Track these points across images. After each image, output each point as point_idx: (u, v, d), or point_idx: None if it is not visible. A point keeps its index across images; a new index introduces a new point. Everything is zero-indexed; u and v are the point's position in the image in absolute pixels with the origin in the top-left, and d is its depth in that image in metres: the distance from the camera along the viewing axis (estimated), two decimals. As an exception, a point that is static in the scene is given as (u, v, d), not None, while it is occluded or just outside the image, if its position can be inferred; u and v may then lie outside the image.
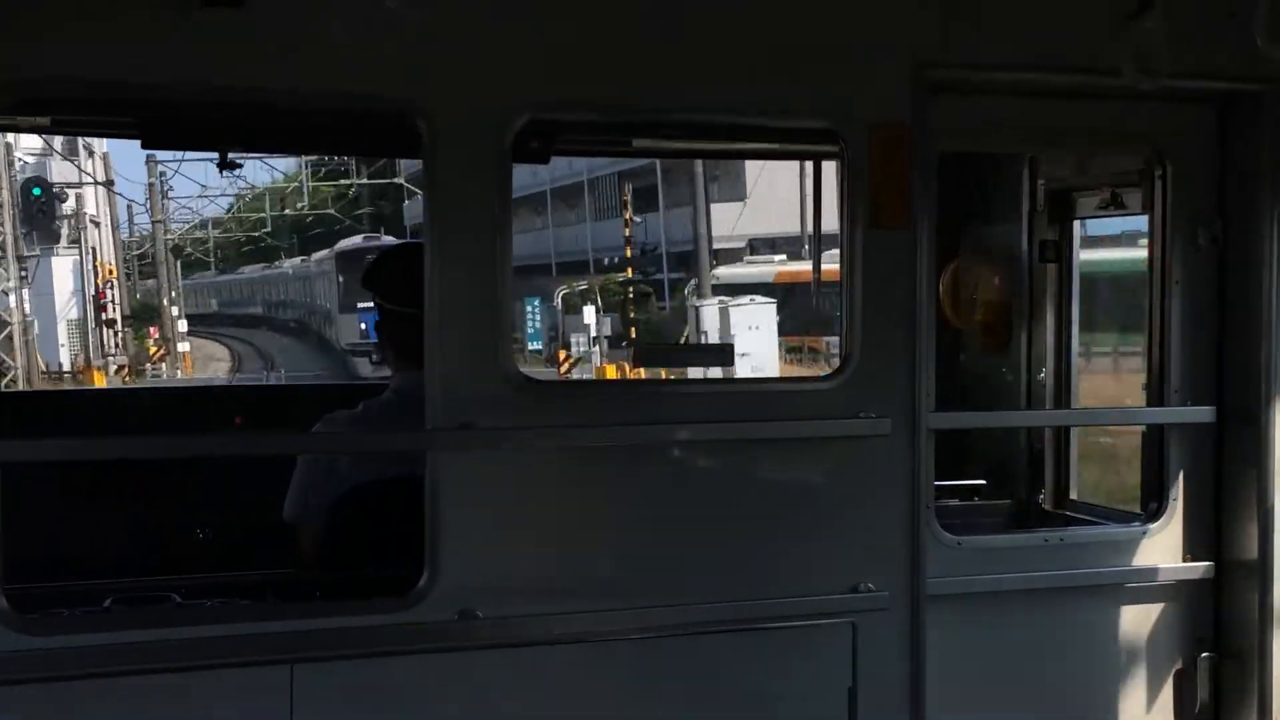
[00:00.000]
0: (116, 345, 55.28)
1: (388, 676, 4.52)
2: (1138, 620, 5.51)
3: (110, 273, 58.52)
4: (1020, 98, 5.27)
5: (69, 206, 53.47)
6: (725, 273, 50.60)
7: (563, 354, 45.44)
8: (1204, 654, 5.54)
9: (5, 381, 40.53)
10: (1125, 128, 5.47)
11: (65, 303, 55.58)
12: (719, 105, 4.93)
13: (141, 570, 5.96)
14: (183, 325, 63.90)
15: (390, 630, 4.49)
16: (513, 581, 4.61)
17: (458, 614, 4.52)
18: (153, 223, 67.48)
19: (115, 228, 68.54)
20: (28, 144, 50.04)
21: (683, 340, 37.66)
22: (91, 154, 59.45)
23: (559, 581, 4.67)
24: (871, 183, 4.90)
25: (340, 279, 56.63)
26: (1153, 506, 5.58)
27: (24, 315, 44.18)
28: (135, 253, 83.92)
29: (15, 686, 4.17)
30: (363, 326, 47.05)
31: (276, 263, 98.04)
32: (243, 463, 5.53)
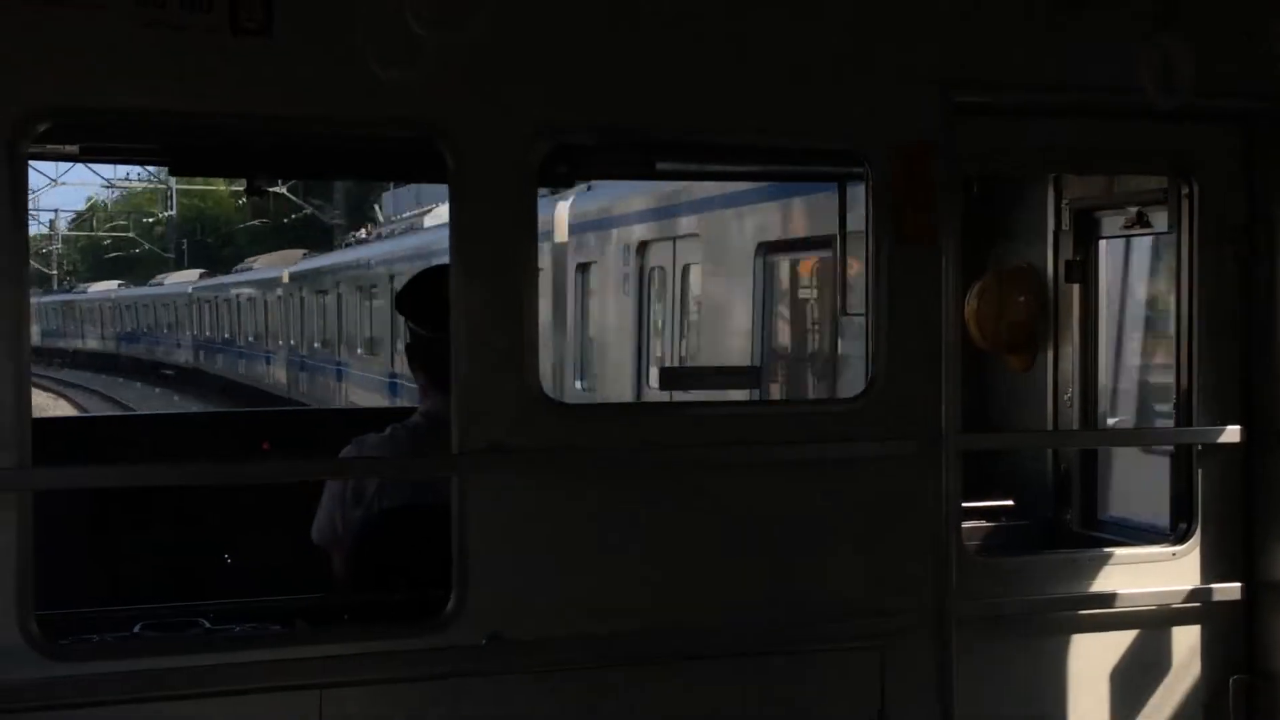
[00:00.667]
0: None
1: (417, 700, 4.52)
2: (1168, 642, 5.47)
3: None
4: (1044, 118, 5.27)
5: None
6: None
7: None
8: (1235, 676, 5.50)
9: None
10: (1150, 147, 5.46)
11: None
12: (744, 127, 4.94)
13: (170, 596, 5.99)
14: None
15: (419, 654, 4.50)
16: (541, 604, 4.61)
17: (486, 637, 4.53)
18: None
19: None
20: None
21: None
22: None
23: (586, 604, 4.67)
24: (897, 203, 4.91)
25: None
26: (1182, 527, 5.55)
27: None
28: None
29: (46, 712, 4.18)
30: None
31: (158, 279, 72.12)
32: (270, 487, 5.55)
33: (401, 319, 5.60)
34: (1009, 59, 5.10)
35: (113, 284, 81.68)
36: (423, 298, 5.44)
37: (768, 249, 13.12)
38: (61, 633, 4.50)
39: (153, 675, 4.27)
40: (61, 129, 4.66)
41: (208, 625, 5.34)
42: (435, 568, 4.58)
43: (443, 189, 5.46)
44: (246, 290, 48.38)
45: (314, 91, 4.42)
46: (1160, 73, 4.81)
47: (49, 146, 5.62)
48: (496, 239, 4.54)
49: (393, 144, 5.37)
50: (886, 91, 4.93)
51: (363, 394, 30.85)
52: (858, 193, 5.91)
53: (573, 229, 17.61)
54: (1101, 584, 5.34)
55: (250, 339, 47.34)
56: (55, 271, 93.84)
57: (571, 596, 4.66)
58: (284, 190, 51.92)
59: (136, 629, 5.29)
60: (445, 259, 4.70)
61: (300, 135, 4.99)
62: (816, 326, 13.05)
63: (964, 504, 5.20)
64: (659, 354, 15.69)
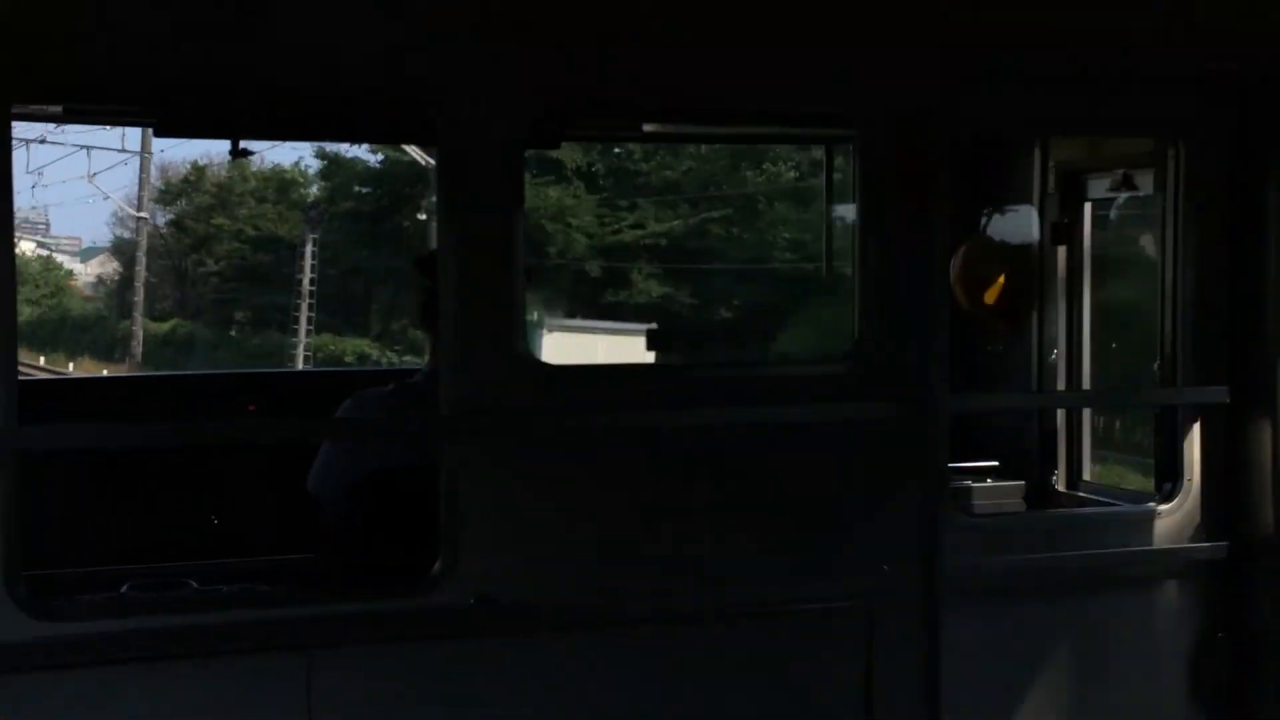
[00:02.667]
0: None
1: (405, 661, 4.54)
2: (1154, 600, 5.52)
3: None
4: (1037, 83, 5.26)
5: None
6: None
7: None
8: (1221, 633, 5.55)
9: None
10: (1140, 111, 5.46)
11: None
12: (735, 91, 4.93)
13: (158, 556, 6.00)
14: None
15: (407, 615, 4.52)
16: (529, 566, 4.63)
17: (474, 599, 4.54)
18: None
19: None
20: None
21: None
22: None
23: (574, 566, 4.69)
24: (886, 166, 4.90)
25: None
26: (1167, 487, 5.58)
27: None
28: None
29: (34, 673, 4.20)
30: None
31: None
32: (259, 449, 5.56)
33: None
34: (1002, 23, 5.09)
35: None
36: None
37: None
38: (49, 593, 4.51)
39: (140, 635, 4.28)
40: (46, 88, 4.65)
41: (196, 585, 5.36)
42: (427, 529, 4.60)
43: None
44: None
45: (301, 53, 4.40)
46: (1152, 36, 4.82)
47: (33, 107, 5.59)
48: (484, 201, 4.53)
49: (381, 106, 5.35)
50: (878, 55, 4.92)
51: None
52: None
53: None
54: (1087, 543, 5.37)
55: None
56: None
57: (559, 558, 4.68)
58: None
59: (124, 589, 5.31)
60: None
61: (288, 97, 4.97)
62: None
63: (951, 465, 5.22)
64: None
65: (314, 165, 51.17)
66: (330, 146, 48.36)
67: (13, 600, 4.12)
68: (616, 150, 42.95)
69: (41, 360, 47.39)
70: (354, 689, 4.49)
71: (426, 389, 5.20)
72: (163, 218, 56.96)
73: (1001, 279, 6.82)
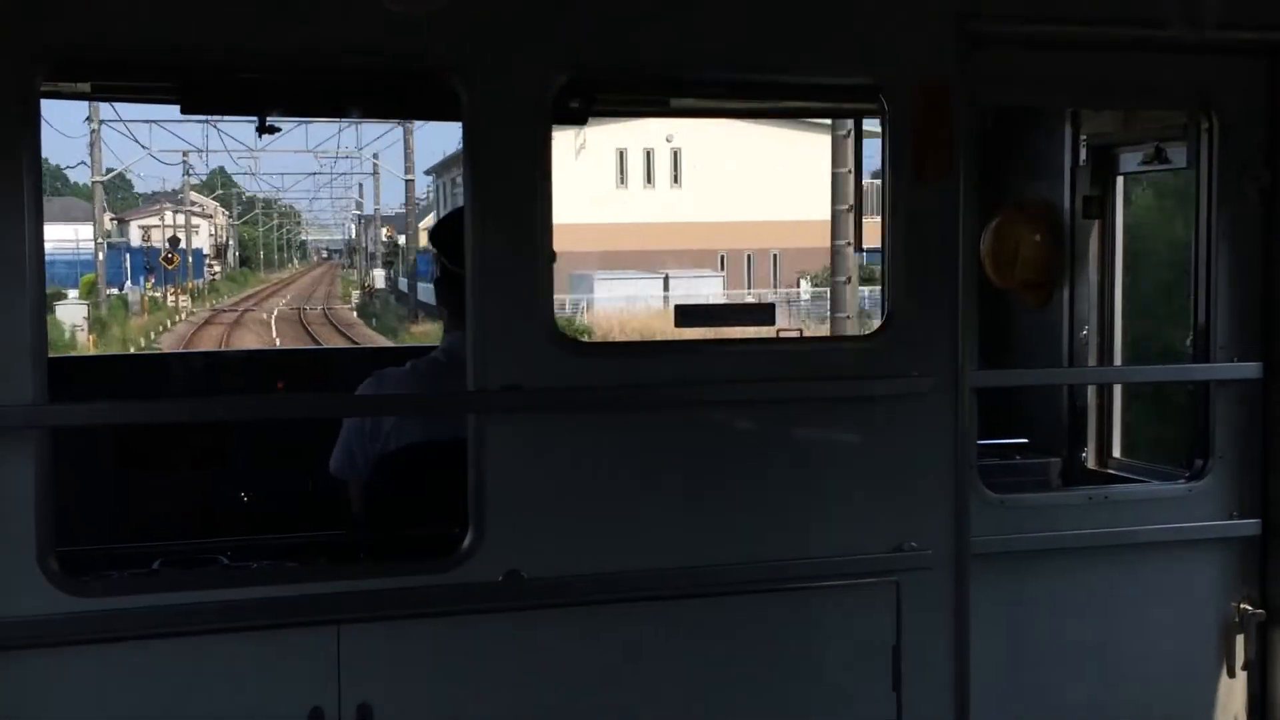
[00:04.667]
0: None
1: (434, 637, 4.55)
2: (1183, 578, 5.49)
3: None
4: (1064, 50, 5.21)
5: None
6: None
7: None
8: (1252, 611, 5.51)
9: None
10: (1171, 80, 5.41)
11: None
12: (761, 63, 4.90)
13: (189, 533, 6.02)
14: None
15: (435, 591, 4.52)
16: (557, 541, 4.63)
17: (503, 575, 4.55)
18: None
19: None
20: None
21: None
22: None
23: (603, 541, 4.69)
24: (914, 138, 4.87)
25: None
26: (1199, 464, 5.54)
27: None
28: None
29: (66, 648, 4.22)
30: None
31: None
32: (288, 426, 5.57)
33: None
34: None
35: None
36: (456, 233, 5.44)
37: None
38: (82, 569, 4.53)
39: (171, 611, 4.30)
40: (74, 66, 4.64)
41: (226, 562, 5.38)
42: (452, 504, 4.60)
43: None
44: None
45: (325, 26, 4.38)
46: (1183, 4, 4.75)
47: (61, 84, 5.60)
48: (511, 176, 4.52)
49: (406, 80, 5.33)
50: (904, 25, 4.89)
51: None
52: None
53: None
54: (1116, 520, 5.34)
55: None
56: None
57: (588, 533, 4.68)
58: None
59: (155, 565, 5.33)
60: None
61: (314, 72, 4.96)
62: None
63: (980, 442, 5.20)
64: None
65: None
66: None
67: (45, 576, 4.15)
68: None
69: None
70: (383, 664, 4.50)
71: (445, 365, 5.20)
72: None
73: (1032, 253, 6.78)
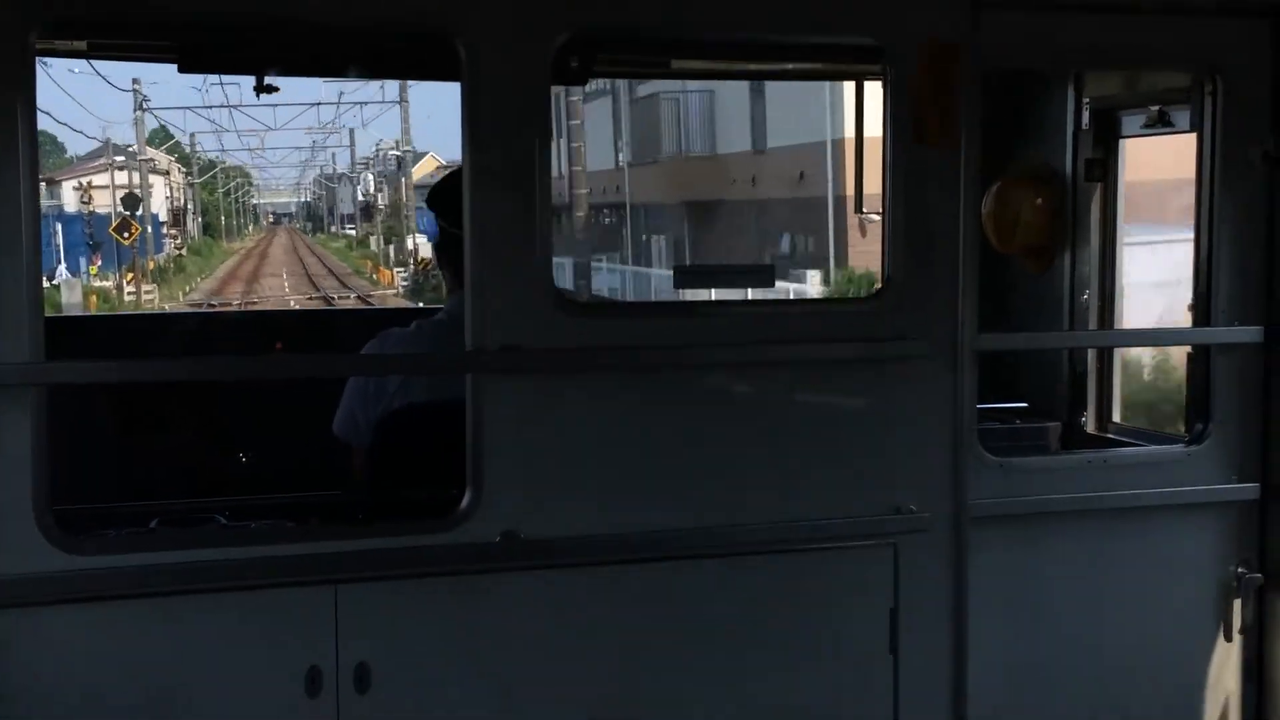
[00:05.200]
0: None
1: (431, 597, 4.56)
2: (1181, 542, 5.49)
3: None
4: (1069, 12, 5.17)
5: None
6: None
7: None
8: (1249, 575, 5.52)
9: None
10: (1176, 42, 5.37)
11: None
12: (763, 22, 4.86)
13: (186, 492, 6.02)
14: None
15: (433, 551, 4.53)
16: (555, 502, 4.63)
17: (500, 535, 4.55)
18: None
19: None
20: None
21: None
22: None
23: (601, 502, 4.69)
24: (917, 100, 4.84)
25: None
26: (1198, 428, 5.53)
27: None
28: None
29: (62, 605, 4.23)
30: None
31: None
32: (287, 386, 5.56)
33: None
34: None
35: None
36: (453, 195, 5.42)
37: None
38: (79, 528, 4.53)
39: (168, 570, 4.30)
40: (70, 24, 4.60)
41: (223, 521, 5.38)
42: (454, 464, 4.60)
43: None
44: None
45: None
46: None
47: (57, 42, 5.56)
48: (510, 136, 4.50)
49: (405, 40, 5.30)
50: None
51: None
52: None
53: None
54: (1115, 484, 5.34)
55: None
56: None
57: (586, 494, 4.67)
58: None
59: (153, 524, 5.33)
60: None
61: (311, 30, 4.92)
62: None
63: (979, 405, 5.19)
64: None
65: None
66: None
67: (42, 533, 4.15)
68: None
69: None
70: (381, 623, 4.51)
71: (449, 326, 5.19)
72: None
73: (1033, 217, 6.76)
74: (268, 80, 6.22)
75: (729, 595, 4.86)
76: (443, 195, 5.46)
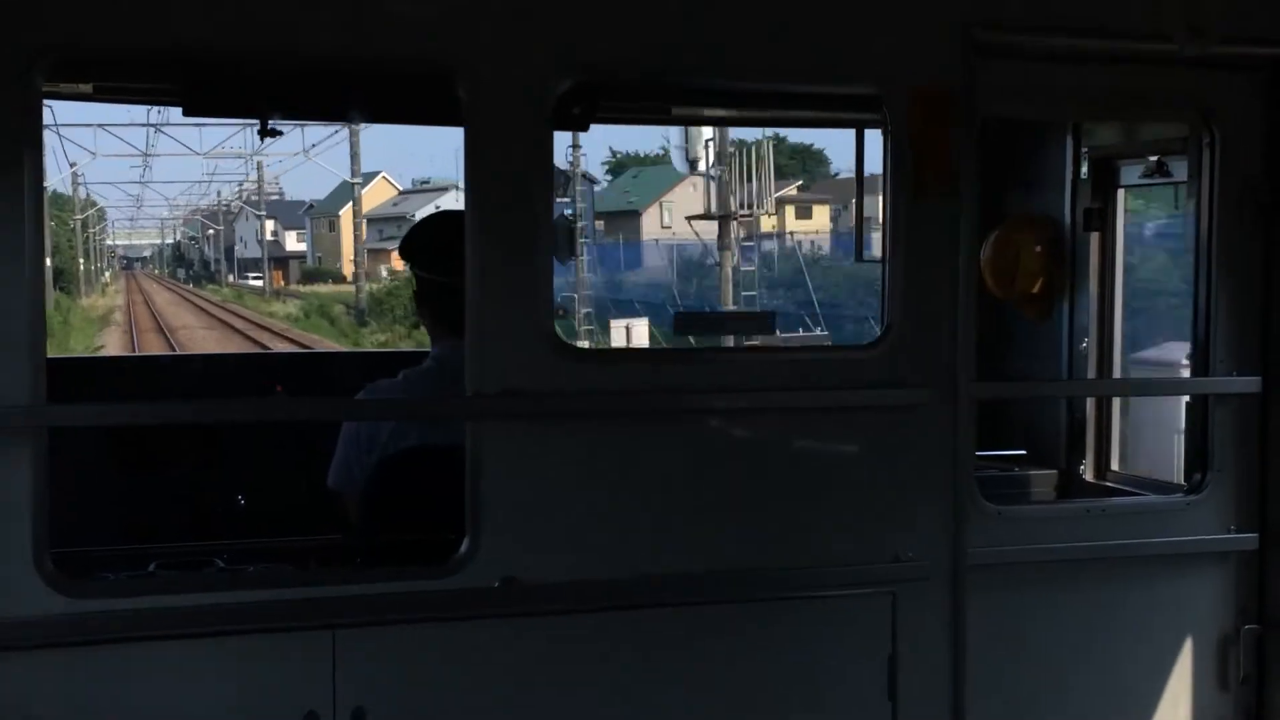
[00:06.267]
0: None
1: (429, 642, 4.54)
2: (1180, 591, 5.48)
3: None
4: (1068, 63, 5.22)
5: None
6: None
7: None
8: (1248, 625, 5.51)
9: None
10: (1173, 93, 5.41)
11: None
12: (762, 71, 4.90)
13: (185, 535, 6.02)
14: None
15: (432, 596, 4.52)
16: (554, 548, 4.62)
17: (499, 580, 4.54)
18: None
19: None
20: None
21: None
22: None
23: (599, 548, 4.68)
24: (915, 148, 4.87)
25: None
26: (1196, 478, 5.54)
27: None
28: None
29: (60, 649, 4.21)
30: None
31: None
32: (285, 429, 5.57)
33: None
34: (1031, 2, 5.04)
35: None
36: (428, 243, 5.44)
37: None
38: (77, 571, 4.53)
39: (166, 613, 4.29)
40: (75, 66, 4.64)
41: (222, 565, 5.37)
42: (448, 510, 4.60)
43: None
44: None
45: (327, 29, 4.39)
46: (1187, 18, 4.76)
47: (63, 85, 5.60)
48: (511, 180, 4.52)
49: (408, 83, 5.33)
50: (909, 35, 4.89)
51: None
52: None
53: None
54: (1114, 533, 5.33)
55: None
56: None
57: (585, 540, 4.67)
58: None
59: (151, 568, 5.33)
60: None
61: (316, 75, 4.96)
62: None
63: (977, 453, 5.20)
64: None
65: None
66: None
67: (41, 576, 4.14)
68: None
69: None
70: (379, 669, 4.49)
71: (438, 374, 5.20)
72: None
73: (1032, 265, 6.78)
74: (271, 124, 6.27)
75: (728, 641, 4.85)
76: (416, 243, 5.49)
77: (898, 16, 4.88)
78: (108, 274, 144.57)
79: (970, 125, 4.94)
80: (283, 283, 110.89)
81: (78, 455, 5.78)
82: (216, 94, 5.68)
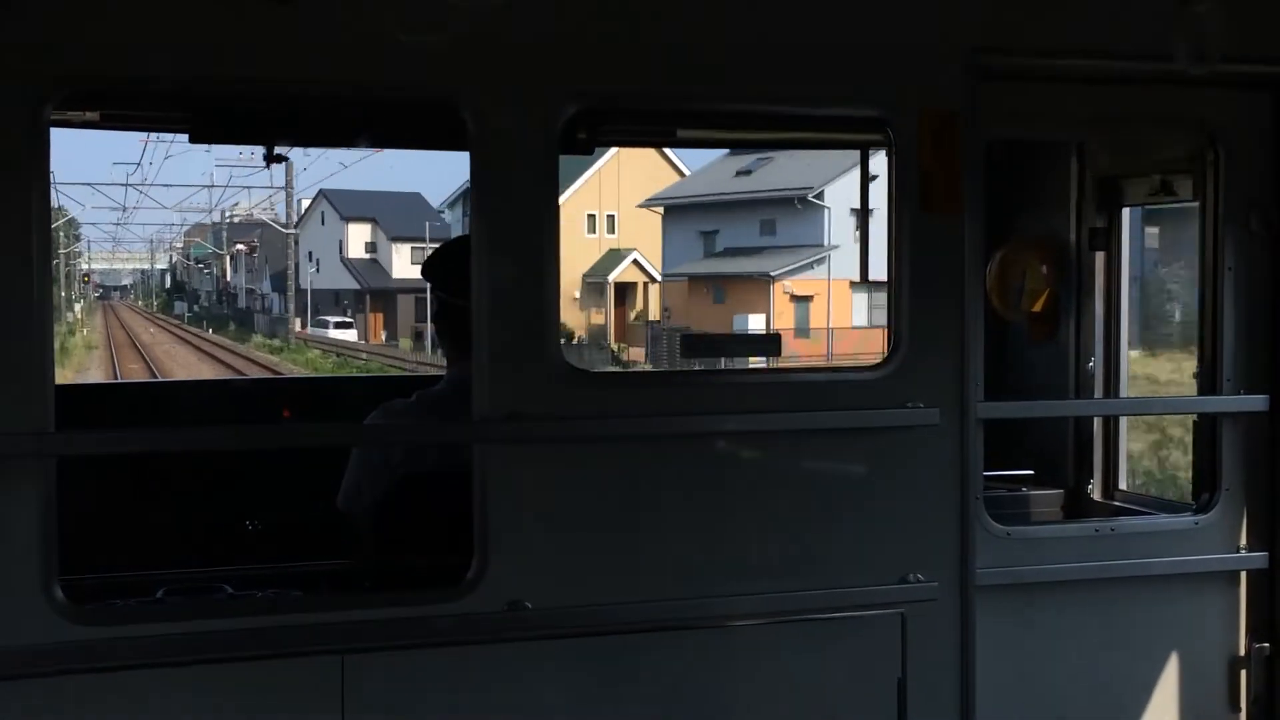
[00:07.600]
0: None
1: (438, 667, 4.54)
2: (1190, 611, 5.46)
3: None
4: (1071, 84, 5.23)
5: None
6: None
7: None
8: (1258, 645, 5.49)
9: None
10: (1178, 113, 5.42)
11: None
12: (767, 94, 4.91)
13: (194, 561, 6.02)
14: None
15: (440, 621, 4.51)
16: (562, 572, 4.62)
17: (507, 605, 4.54)
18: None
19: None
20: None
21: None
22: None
23: (608, 572, 4.68)
24: (921, 170, 4.88)
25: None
26: (1205, 497, 5.53)
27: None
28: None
29: (70, 676, 4.21)
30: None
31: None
32: (294, 454, 5.57)
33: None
34: (1035, 24, 5.06)
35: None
36: (450, 266, 5.44)
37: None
38: (85, 598, 4.53)
39: (175, 640, 4.29)
40: (84, 95, 4.66)
41: (231, 591, 5.37)
42: (458, 535, 4.59)
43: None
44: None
45: (332, 56, 4.40)
46: (1190, 38, 4.77)
47: (70, 113, 5.62)
48: (518, 206, 4.53)
49: (414, 110, 5.35)
50: (912, 58, 4.90)
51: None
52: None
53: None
54: (1122, 553, 5.32)
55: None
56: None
57: (593, 564, 4.67)
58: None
59: (160, 594, 5.32)
60: None
61: (322, 101, 4.98)
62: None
63: (985, 473, 5.19)
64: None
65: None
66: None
67: (49, 604, 4.14)
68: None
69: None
70: (388, 694, 4.49)
71: (451, 396, 5.20)
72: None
73: (1038, 285, 6.78)
74: (278, 150, 6.29)
75: (737, 664, 4.84)
76: (440, 264, 5.50)
77: (904, 39, 4.90)
78: (79, 307, 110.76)
79: (972, 146, 4.95)
80: (384, 336, 64.26)
81: (85, 481, 5.79)
82: (224, 122, 5.71)
